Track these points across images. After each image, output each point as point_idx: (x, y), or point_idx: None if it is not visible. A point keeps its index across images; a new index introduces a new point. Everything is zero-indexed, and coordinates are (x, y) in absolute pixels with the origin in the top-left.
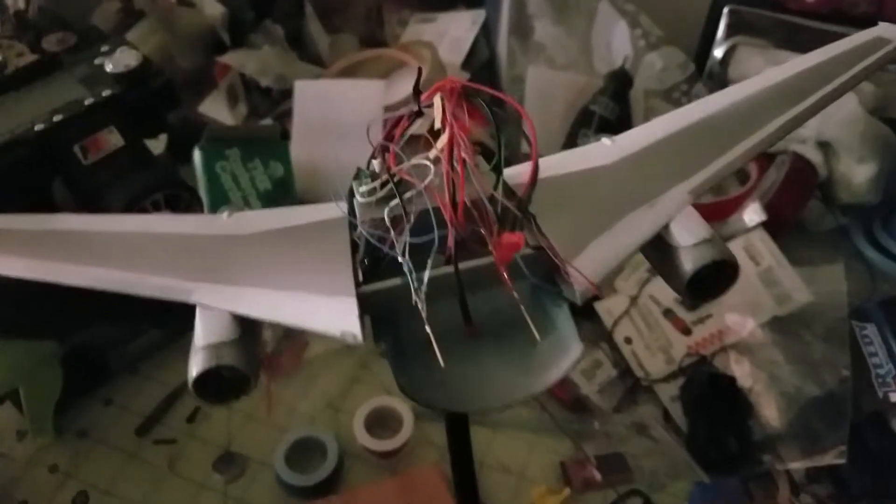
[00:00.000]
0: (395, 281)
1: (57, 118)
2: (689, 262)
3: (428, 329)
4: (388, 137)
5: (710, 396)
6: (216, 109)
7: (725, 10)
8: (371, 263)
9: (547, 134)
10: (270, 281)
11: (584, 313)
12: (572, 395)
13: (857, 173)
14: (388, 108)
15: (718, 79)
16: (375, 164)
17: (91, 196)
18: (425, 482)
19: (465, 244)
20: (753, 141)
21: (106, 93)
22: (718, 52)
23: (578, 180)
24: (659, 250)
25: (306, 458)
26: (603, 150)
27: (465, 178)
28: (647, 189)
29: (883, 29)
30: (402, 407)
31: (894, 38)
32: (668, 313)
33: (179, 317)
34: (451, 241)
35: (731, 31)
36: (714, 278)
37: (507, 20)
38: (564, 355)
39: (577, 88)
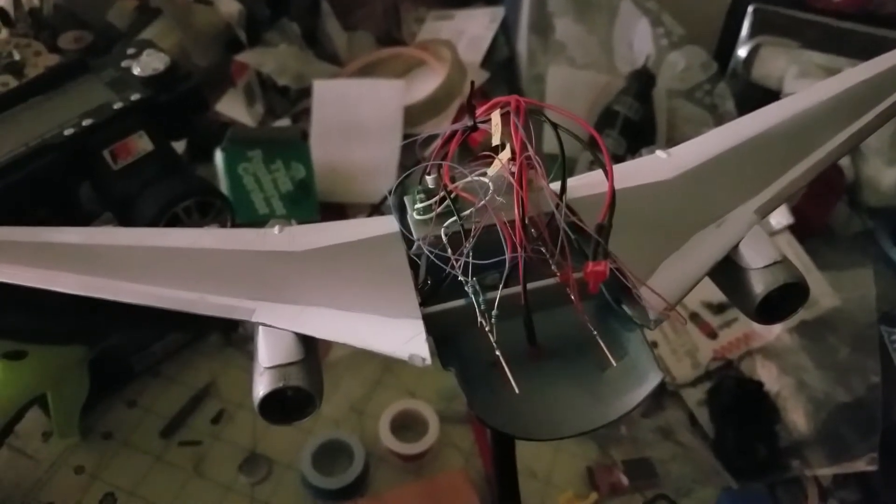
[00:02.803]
0: (459, 302)
1: (86, 122)
2: (760, 285)
3: (498, 353)
4: (443, 152)
5: (738, 401)
6: (234, 108)
7: (750, 8)
8: (433, 283)
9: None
10: (332, 300)
11: None
12: None
13: (886, 176)
14: (407, 109)
15: (742, 78)
16: (429, 179)
17: (121, 202)
18: (452, 486)
19: (529, 264)
20: (818, 157)
21: (135, 97)
22: (742, 52)
23: (639, 196)
24: (727, 272)
25: (332, 460)
26: (659, 164)
27: (530, 197)
28: (712, 207)
29: None
30: (427, 410)
31: None
32: (694, 317)
33: (201, 321)
34: (520, 263)
35: (755, 30)
36: (784, 299)
37: (527, 18)
38: (640, 383)
39: (598, 88)
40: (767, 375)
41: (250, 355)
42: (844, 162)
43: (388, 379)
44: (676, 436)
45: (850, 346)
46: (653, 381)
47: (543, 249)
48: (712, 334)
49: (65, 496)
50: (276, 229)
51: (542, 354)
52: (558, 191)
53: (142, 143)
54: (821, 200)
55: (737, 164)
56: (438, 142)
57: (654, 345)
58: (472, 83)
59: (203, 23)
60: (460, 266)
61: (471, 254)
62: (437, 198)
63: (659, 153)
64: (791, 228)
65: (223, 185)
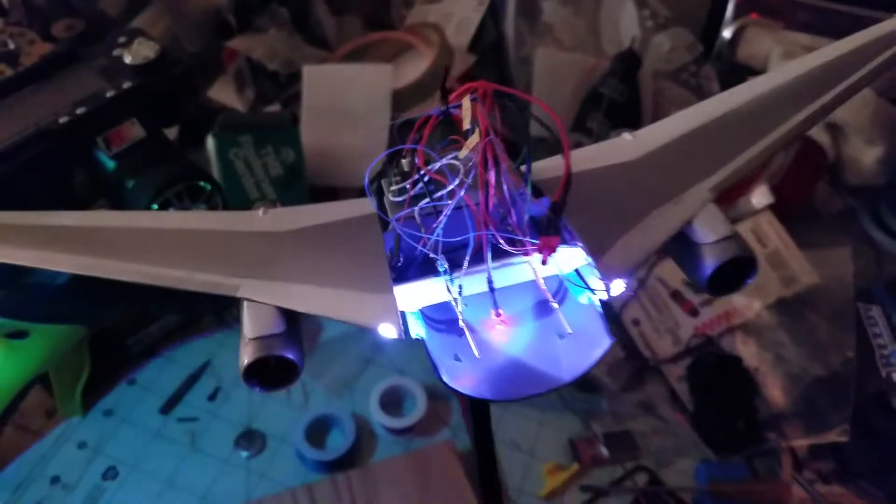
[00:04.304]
0: (429, 278)
1: (80, 111)
2: (711, 259)
3: (462, 324)
4: (417, 137)
5: (717, 376)
6: (225, 94)
7: None
8: (405, 261)
9: (558, 115)
10: (311, 277)
11: None
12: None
13: (866, 155)
14: (395, 93)
15: (727, 59)
16: (405, 162)
17: (115, 187)
18: (438, 458)
19: (500, 242)
20: (773, 137)
21: (126, 85)
22: (727, 33)
23: (603, 176)
24: (681, 246)
25: (324, 434)
26: (625, 146)
27: (497, 180)
28: (671, 186)
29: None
30: (415, 386)
31: None
32: (675, 295)
33: (196, 303)
34: (485, 242)
35: (740, 10)
36: (734, 273)
37: (515, 1)
38: (592, 347)
39: (585, 70)
40: (746, 351)
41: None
42: (826, 141)
43: (379, 357)
44: (657, 410)
45: (829, 323)
46: (603, 345)
47: (516, 230)
48: (693, 312)
49: (69, 470)
50: (260, 212)
51: (510, 326)
52: (539, 171)
53: (134, 130)
54: (802, 180)
55: (696, 146)
56: (415, 126)
57: (636, 322)
58: (447, 69)
59: (193, 9)
60: (431, 245)
61: (441, 233)
62: (410, 181)
63: (626, 135)
64: (773, 207)
65: (215, 171)
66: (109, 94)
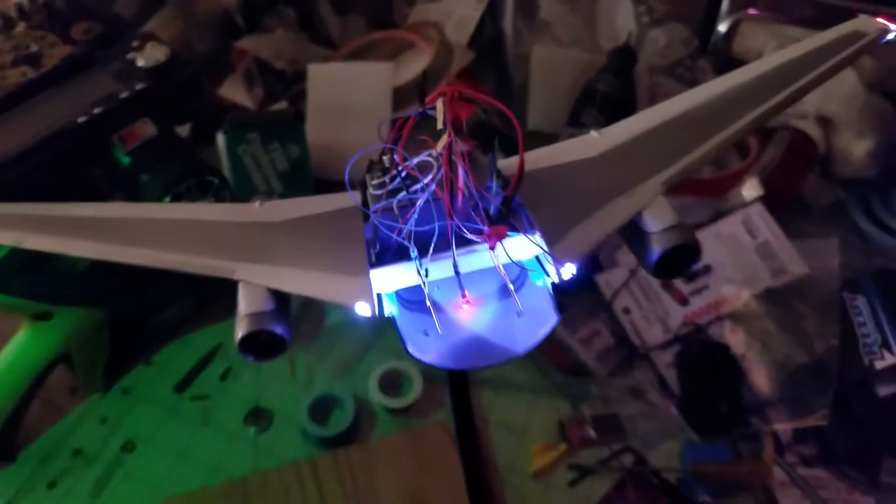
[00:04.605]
0: (402, 263)
1: (97, 111)
2: (658, 246)
3: (428, 303)
4: (397, 135)
5: (704, 363)
6: (235, 92)
7: None
8: (382, 248)
9: (552, 111)
10: (299, 261)
11: (586, 285)
12: (571, 361)
13: (857, 148)
14: (396, 89)
15: (722, 54)
16: (386, 159)
17: (130, 181)
18: (432, 436)
19: (463, 231)
20: (725, 135)
21: (139, 86)
22: (723, 27)
23: (565, 172)
24: (633, 234)
25: (327, 413)
26: (590, 143)
27: (461, 176)
28: (625, 180)
29: (861, 22)
30: (413, 370)
31: (870, 32)
32: (666, 285)
33: (208, 290)
34: (450, 230)
35: (736, 5)
36: (680, 258)
37: None
38: (542, 324)
39: (582, 65)
40: (734, 339)
41: None
42: (817, 134)
43: (379, 342)
44: (645, 395)
45: (815, 312)
46: (551, 321)
47: (479, 220)
48: (683, 301)
49: (90, 443)
50: (256, 204)
51: (472, 305)
52: (510, 165)
53: (147, 129)
54: (792, 172)
55: (652, 143)
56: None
57: (626, 311)
58: (425, 73)
59: (204, 10)
60: (405, 233)
61: (413, 223)
62: (389, 175)
63: (593, 133)
64: (764, 199)
65: (225, 166)
66: (123, 95)
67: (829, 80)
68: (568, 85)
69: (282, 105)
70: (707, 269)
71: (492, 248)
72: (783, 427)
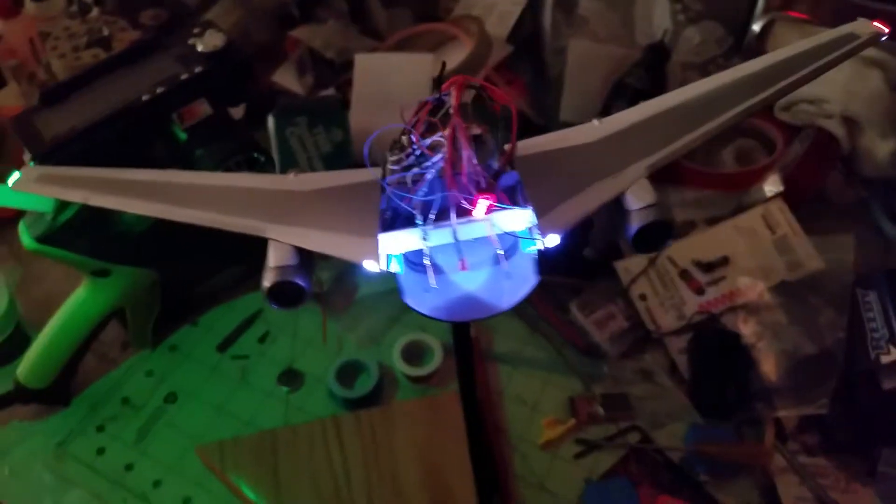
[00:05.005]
0: (408, 229)
1: (159, 90)
2: (635, 222)
3: (427, 261)
4: (415, 119)
5: (715, 349)
6: (287, 79)
7: None
8: (392, 215)
9: (584, 104)
10: (321, 224)
11: (605, 271)
12: (586, 342)
13: (881, 148)
14: (435, 79)
15: (755, 53)
16: (404, 139)
17: (186, 155)
18: (446, 404)
19: (462, 202)
20: (708, 128)
21: (198, 69)
22: (756, 27)
23: (562, 155)
24: (617, 211)
25: (353, 377)
26: (590, 131)
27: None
28: (615, 164)
29: (858, 25)
30: (434, 342)
31: (864, 35)
32: (684, 274)
33: (252, 260)
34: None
35: (771, 5)
36: (657, 234)
37: None
38: (524, 285)
39: (616, 60)
40: (746, 329)
41: None
42: (841, 133)
43: (405, 316)
44: (655, 377)
45: (827, 306)
46: (532, 282)
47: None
48: (700, 290)
49: (137, 393)
50: (291, 175)
51: (468, 268)
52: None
53: (203, 108)
54: (815, 170)
55: (643, 131)
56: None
57: (643, 297)
58: (444, 63)
59: (261, 1)
60: (415, 203)
61: (421, 195)
62: (405, 152)
63: (594, 122)
64: (785, 195)
65: (273, 146)
66: (183, 76)
67: (854, 81)
68: (601, 79)
69: (329, 92)
70: (725, 261)
71: (474, 212)
72: (785, 414)
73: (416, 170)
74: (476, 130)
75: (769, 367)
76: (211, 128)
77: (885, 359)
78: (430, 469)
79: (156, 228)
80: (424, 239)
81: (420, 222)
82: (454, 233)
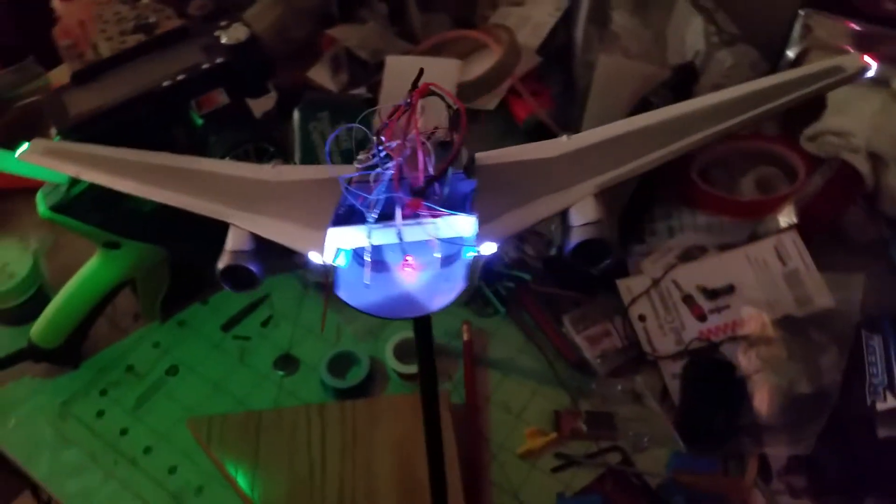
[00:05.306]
0: (356, 226)
1: (180, 77)
2: (574, 237)
3: (367, 257)
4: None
5: (708, 377)
6: (321, 76)
7: (801, 12)
8: (346, 212)
9: (607, 119)
10: (281, 215)
11: (606, 288)
12: (577, 356)
13: None
14: (461, 85)
15: None
16: (375, 140)
17: (200, 140)
18: None
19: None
20: (663, 153)
21: (219, 60)
22: (792, 53)
23: (522, 168)
24: (562, 225)
25: (345, 368)
26: (555, 146)
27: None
28: (566, 180)
29: (846, 59)
30: None
31: (850, 69)
32: (687, 299)
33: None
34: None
35: (806, 32)
36: (595, 251)
37: (587, 8)
38: (455, 288)
39: (644, 78)
40: (744, 361)
41: (302, 278)
42: (865, 169)
43: None
44: (644, 400)
45: (831, 345)
46: (461, 287)
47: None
48: (702, 317)
49: (142, 363)
50: (271, 166)
51: (412, 268)
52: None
53: (220, 97)
54: (834, 204)
55: (603, 151)
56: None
57: (642, 318)
58: (421, 70)
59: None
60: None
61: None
62: (370, 153)
63: (563, 137)
64: (800, 227)
65: (296, 138)
66: (205, 66)
67: (882, 115)
68: (627, 95)
69: (361, 91)
70: (730, 289)
71: (406, 217)
72: (771, 451)
73: (378, 170)
74: (446, 137)
75: (761, 401)
76: (226, 116)
77: (880, 406)
78: (404, 464)
79: (164, 209)
80: (368, 237)
81: (371, 220)
82: (399, 233)
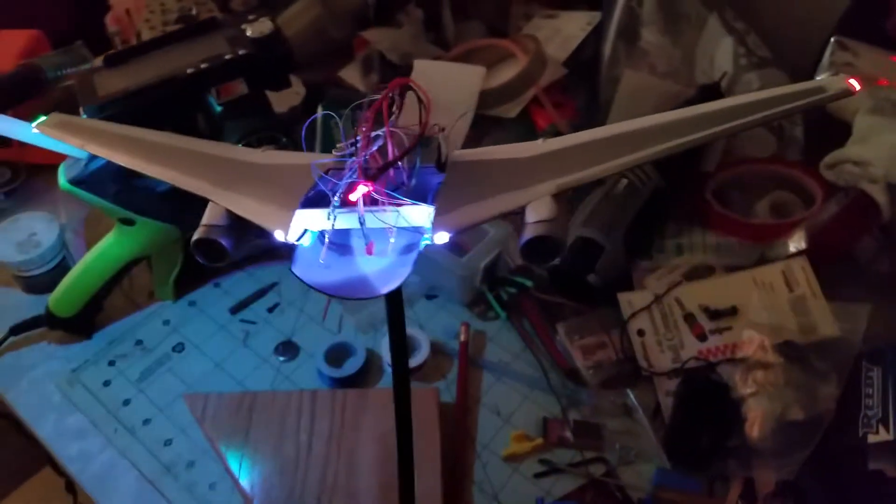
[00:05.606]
0: (321, 209)
1: (203, 66)
2: (527, 233)
3: (326, 238)
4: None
5: (701, 397)
6: (352, 76)
7: (832, 39)
8: (315, 196)
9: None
10: (258, 195)
11: (607, 300)
12: (570, 365)
13: None
14: (484, 93)
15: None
16: (355, 131)
17: (217, 126)
18: (424, 398)
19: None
20: (627, 160)
21: (241, 52)
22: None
23: (491, 166)
24: (519, 221)
25: (342, 358)
26: (529, 148)
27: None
28: (529, 179)
29: (831, 80)
30: (423, 338)
31: (831, 90)
32: (688, 317)
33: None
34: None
35: (836, 60)
36: (547, 249)
37: (617, 23)
38: (399, 277)
39: (668, 96)
40: (740, 383)
41: None
42: (883, 200)
43: (407, 310)
44: (635, 414)
45: (831, 375)
46: (402, 274)
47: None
48: (702, 336)
49: (151, 338)
50: (261, 149)
51: (371, 253)
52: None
53: (240, 87)
54: (846, 232)
55: (569, 155)
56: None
57: (641, 333)
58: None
59: (343, 1)
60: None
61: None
62: (346, 143)
63: (539, 141)
64: (811, 253)
65: (319, 134)
66: (227, 56)
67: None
68: (649, 112)
69: None
70: (734, 311)
71: (353, 202)
72: (756, 476)
73: (352, 159)
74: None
75: (752, 425)
76: (243, 106)
77: (872, 438)
78: (387, 457)
79: (177, 189)
80: (328, 220)
81: (336, 205)
82: (361, 218)
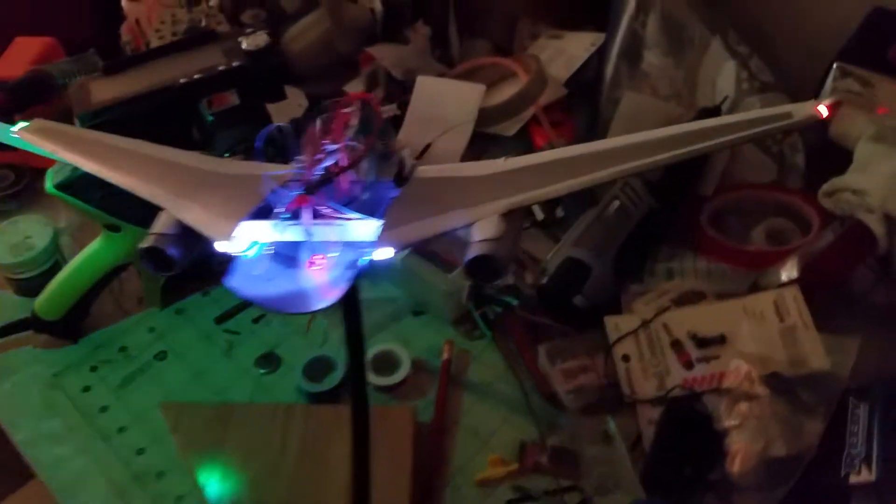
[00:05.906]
0: (265, 221)
1: (197, 76)
2: (471, 251)
3: (268, 250)
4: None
5: (682, 427)
6: (356, 90)
7: (835, 65)
8: (264, 207)
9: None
10: (210, 204)
11: (594, 323)
12: (550, 389)
13: None
14: (484, 110)
15: (818, 134)
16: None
17: (208, 136)
18: (396, 418)
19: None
20: (583, 180)
21: (235, 63)
22: None
23: (448, 182)
24: (466, 239)
25: (322, 372)
26: (492, 166)
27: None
28: (480, 197)
29: (799, 106)
30: (405, 355)
31: (798, 116)
32: (675, 344)
33: None
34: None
35: (838, 86)
36: (491, 268)
37: (620, 44)
38: (337, 292)
39: (668, 119)
40: (724, 415)
41: None
42: (881, 231)
43: (393, 325)
44: (614, 442)
45: (818, 409)
46: (339, 292)
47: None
48: (688, 364)
49: (135, 345)
50: (235, 159)
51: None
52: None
53: (232, 98)
54: (841, 262)
55: (522, 175)
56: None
57: (626, 358)
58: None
59: (352, 17)
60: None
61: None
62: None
63: (501, 160)
64: (804, 283)
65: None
66: (221, 67)
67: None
68: None
69: (390, 108)
70: (722, 339)
71: (293, 214)
72: None
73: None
74: (389, 149)
75: (734, 460)
76: (234, 116)
77: (854, 479)
78: None
79: None
80: (269, 232)
81: (282, 218)
82: (307, 231)
